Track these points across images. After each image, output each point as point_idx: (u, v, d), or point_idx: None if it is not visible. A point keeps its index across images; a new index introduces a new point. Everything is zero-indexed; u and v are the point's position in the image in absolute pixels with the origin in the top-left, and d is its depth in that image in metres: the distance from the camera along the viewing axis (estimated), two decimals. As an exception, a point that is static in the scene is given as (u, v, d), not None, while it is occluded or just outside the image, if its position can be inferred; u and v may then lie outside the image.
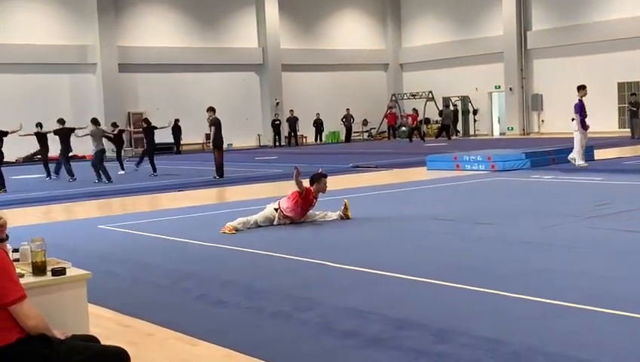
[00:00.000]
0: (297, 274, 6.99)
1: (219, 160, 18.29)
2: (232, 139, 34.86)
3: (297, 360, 4.57)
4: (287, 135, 36.55)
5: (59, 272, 3.78)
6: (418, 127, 35.13)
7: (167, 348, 4.98)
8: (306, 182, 10.21)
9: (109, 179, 18.00)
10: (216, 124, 18.47)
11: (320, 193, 10.41)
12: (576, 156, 16.91)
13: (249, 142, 36.54)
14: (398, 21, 41.45)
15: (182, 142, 33.19)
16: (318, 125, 37.79)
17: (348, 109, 38.05)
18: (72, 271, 3.89)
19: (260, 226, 9.89)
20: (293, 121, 36.11)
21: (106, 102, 32.19)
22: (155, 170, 19.63)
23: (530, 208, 10.78)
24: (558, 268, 6.67)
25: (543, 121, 35.58)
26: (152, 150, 20.38)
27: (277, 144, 35.96)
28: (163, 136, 33.15)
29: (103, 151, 18.67)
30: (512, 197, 12.49)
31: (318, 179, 10.36)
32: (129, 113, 33.16)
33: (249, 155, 28.57)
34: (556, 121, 34.37)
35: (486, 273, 6.58)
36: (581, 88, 17.38)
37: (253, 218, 9.92)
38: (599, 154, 19.46)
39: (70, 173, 19.09)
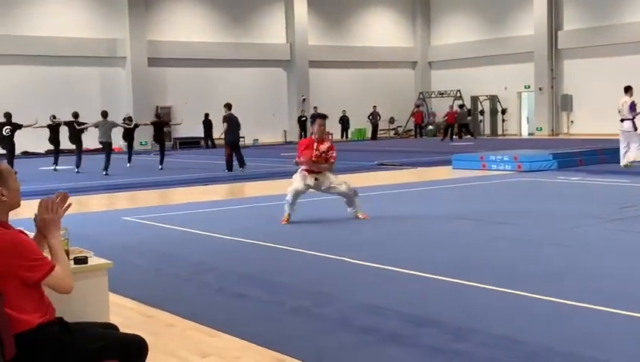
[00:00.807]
0: (317, 270, 7.02)
1: (227, 155, 18.88)
2: (259, 134, 35.04)
3: (315, 354, 4.60)
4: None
5: (81, 261, 3.84)
6: (462, 125, 34.86)
7: (186, 339, 5.05)
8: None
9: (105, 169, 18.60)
10: (227, 120, 18.90)
11: (323, 135, 10.24)
12: (637, 153, 16.78)
13: (275, 138, 36.64)
14: (428, 19, 41.27)
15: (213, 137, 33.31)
16: (344, 122, 37.78)
17: (375, 107, 37.98)
18: (93, 261, 3.95)
19: (301, 193, 9.96)
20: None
21: (135, 96, 32.48)
22: (161, 162, 20.15)
23: (554, 209, 10.71)
24: (578, 269, 6.64)
25: (572, 121, 35.23)
26: (162, 144, 20.84)
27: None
28: (192, 131, 33.48)
29: (109, 144, 19.35)
30: (537, 197, 12.41)
31: (313, 120, 10.40)
32: (157, 107, 33.40)
33: (275, 151, 28.65)
34: (586, 122, 34.05)
35: (505, 272, 6.57)
36: (630, 89, 17.33)
37: (290, 191, 9.91)
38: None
39: (77, 164, 19.64)
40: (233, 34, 35.58)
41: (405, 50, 40.95)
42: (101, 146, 19.57)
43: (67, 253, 3.85)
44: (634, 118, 17.05)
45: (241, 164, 18.78)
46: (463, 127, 35.03)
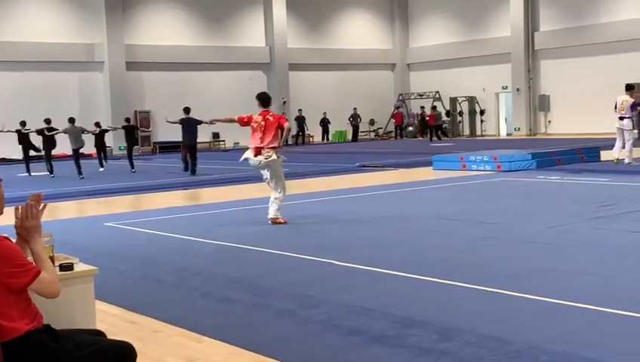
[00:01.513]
0: (302, 272, 7.02)
1: (183, 158, 19.71)
2: (239, 137, 34.92)
3: (302, 356, 4.60)
4: (294, 134, 36.63)
5: (67, 268, 3.81)
6: (440, 126, 35.07)
7: (173, 345, 5.02)
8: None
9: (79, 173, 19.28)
10: (183, 124, 19.81)
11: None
12: (628, 154, 17.13)
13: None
14: (406, 21, 41.43)
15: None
16: (325, 124, 37.82)
17: (355, 109, 38.06)
18: (79, 267, 3.93)
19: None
20: (301, 121, 36.24)
21: (113, 100, 32.29)
22: (132, 166, 20.95)
23: (536, 208, 10.80)
24: (562, 268, 6.69)
25: (549, 121, 35.53)
26: (131, 149, 21.55)
27: (283, 143, 35.94)
28: (173, 135, 33.26)
29: (78, 148, 20.05)
30: (518, 197, 12.50)
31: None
32: (136, 111, 33.24)
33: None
34: (563, 122, 34.37)
35: (490, 272, 6.61)
36: (632, 87, 17.95)
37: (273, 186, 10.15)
38: (606, 155, 19.42)
39: (49, 169, 20.21)
40: (212, 37, 35.48)
41: (384, 52, 41.09)
42: (72, 153, 20.22)
43: (52, 259, 3.82)
44: (632, 116, 17.44)
45: (193, 170, 19.18)
46: (437, 129, 35.34)
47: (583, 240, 8.02)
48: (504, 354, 4.41)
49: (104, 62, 32.51)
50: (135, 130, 22.11)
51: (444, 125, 36.27)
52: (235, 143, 34.66)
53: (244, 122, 10.62)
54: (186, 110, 20.20)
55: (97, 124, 23.32)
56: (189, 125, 19.61)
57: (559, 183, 14.19)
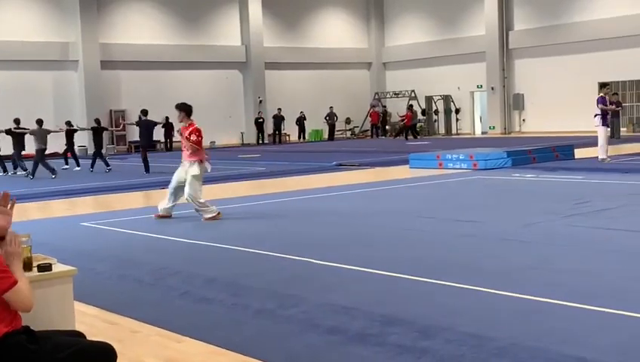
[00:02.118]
0: (281, 272, 7.01)
1: (143, 158, 20.14)
2: (215, 136, 34.81)
3: (281, 356, 4.59)
4: (270, 133, 36.58)
5: (45, 268, 3.77)
6: (414, 125, 35.13)
7: (152, 345, 4.99)
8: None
9: (52, 171, 19.57)
10: (140, 125, 20.46)
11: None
12: (599, 151, 17.37)
13: (232, 140, 36.49)
14: (382, 20, 41.54)
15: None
16: (302, 123, 37.81)
17: (331, 107, 38.09)
18: (58, 268, 3.89)
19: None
20: (279, 120, 36.22)
21: (88, 100, 32.01)
22: (107, 164, 21.26)
23: (512, 206, 10.88)
24: (540, 265, 6.74)
25: (524, 120, 35.82)
26: (99, 149, 21.87)
27: (260, 142, 35.94)
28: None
29: (43, 150, 20.04)
30: (494, 195, 12.59)
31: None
32: (111, 110, 33.01)
33: (232, 153, 28.53)
34: (537, 121, 34.68)
35: (469, 270, 6.64)
36: (604, 86, 18.25)
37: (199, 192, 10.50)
38: (580, 153, 19.65)
39: (23, 168, 20.46)
40: (187, 36, 35.31)
41: (360, 51, 41.16)
42: (37, 153, 20.21)
43: (30, 260, 3.79)
44: (604, 113, 17.49)
45: (146, 168, 19.81)
46: (412, 128, 35.50)
47: (559, 238, 8.09)
48: (484, 351, 4.44)
49: (79, 61, 32.21)
50: (103, 132, 22.69)
51: (417, 124, 36.41)
52: (211, 143, 34.52)
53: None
54: (144, 112, 20.74)
55: (68, 123, 23.47)
56: (146, 127, 20.21)
57: (535, 181, 14.31)
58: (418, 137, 34.86)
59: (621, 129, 28.52)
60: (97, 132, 22.13)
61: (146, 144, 20.57)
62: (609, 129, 17.73)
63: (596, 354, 4.29)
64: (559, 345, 4.46)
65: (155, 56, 34.02)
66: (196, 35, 35.56)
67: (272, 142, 35.93)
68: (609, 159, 17.36)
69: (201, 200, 10.50)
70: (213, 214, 10.39)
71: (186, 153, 10.67)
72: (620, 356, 4.26)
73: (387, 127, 39.25)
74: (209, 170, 10.87)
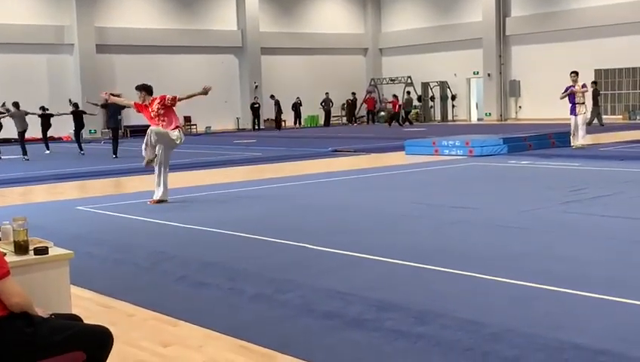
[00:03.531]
0: (278, 257, 7.01)
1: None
2: (211, 121, 34.75)
3: (278, 340, 4.60)
4: (266, 118, 36.47)
5: (42, 251, 3.77)
6: (398, 114, 35.04)
7: (148, 329, 4.99)
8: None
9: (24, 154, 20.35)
10: (103, 107, 21.49)
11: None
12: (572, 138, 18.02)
13: (228, 125, 36.41)
14: (378, 6, 41.41)
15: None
16: (298, 109, 37.72)
17: (327, 93, 38.01)
18: (54, 251, 3.88)
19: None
20: (279, 105, 35.94)
21: (83, 83, 31.88)
22: (81, 148, 22.28)
23: (508, 193, 10.90)
24: (535, 252, 6.76)
25: (520, 107, 35.83)
26: (78, 133, 22.90)
27: (256, 127, 35.85)
28: (143, 119, 33.08)
29: (22, 132, 21.12)
30: (490, 182, 12.60)
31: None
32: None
33: (228, 138, 28.47)
34: (533, 107, 34.68)
35: (465, 256, 6.65)
36: (574, 73, 18.61)
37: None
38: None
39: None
40: (183, 20, 35.15)
41: (356, 37, 41.04)
42: (18, 135, 21.40)
43: (26, 243, 3.78)
44: (573, 103, 17.87)
45: (114, 151, 20.33)
46: (405, 114, 35.40)
47: (554, 225, 8.11)
48: (480, 337, 4.45)
49: (74, 45, 32.06)
50: (83, 115, 23.21)
51: (410, 110, 36.16)
52: (207, 128, 34.46)
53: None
54: (74, 104, 22.09)
55: (43, 108, 23.92)
56: (113, 109, 20.60)
57: (530, 168, 14.32)
58: (406, 124, 34.56)
59: (603, 116, 28.75)
60: (77, 116, 22.88)
61: (113, 126, 21.05)
62: (580, 117, 17.91)
63: (591, 339, 4.31)
64: (554, 331, 4.47)
65: (150, 41, 33.86)
66: (192, 20, 35.39)
67: (276, 128, 35.51)
68: (583, 144, 17.63)
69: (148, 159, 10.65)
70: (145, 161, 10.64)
71: (162, 126, 10.63)
72: (615, 342, 4.27)
73: (382, 113, 39.20)
74: (183, 140, 10.89)
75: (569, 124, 18.66)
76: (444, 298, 5.34)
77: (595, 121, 27.27)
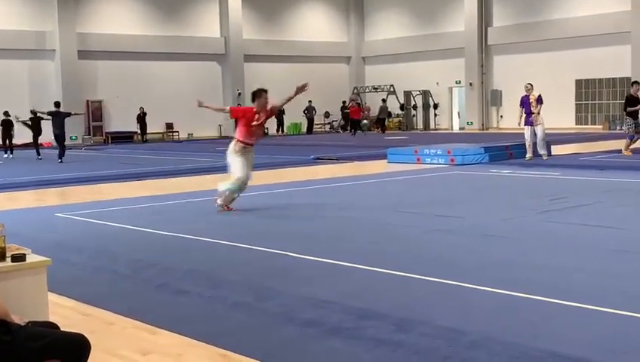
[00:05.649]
0: (259, 265, 6.99)
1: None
2: (193, 129, 34.68)
3: (258, 348, 4.58)
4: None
5: (19, 258, 3.73)
6: (357, 121, 34.50)
7: (127, 337, 4.95)
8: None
9: None
10: (49, 116, 21.94)
11: (266, 108, 10.68)
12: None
13: (210, 133, 36.32)
14: (361, 14, 41.55)
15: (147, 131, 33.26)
16: (280, 116, 37.66)
17: (310, 101, 38.04)
18: (32, 258, 3.85)
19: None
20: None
21: (64, 90, 31.71)
22: (38, 154, 23.21)
23: (489, 201, 10.94)
24: (516, 260, 6.78)
25: (501, 116, 36.05)
26: (36, 139, 23.82)
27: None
28: (125, 125, 33.00)
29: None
30: (472, 190, 12.64)
31: (257, 93, 10.71)
32: (88, 101, 32.74)
33: (210, 146, 28.40)
34: (514, 117, 34.84)
35: (446, 264, 6.67)
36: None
37: (233, 176, 10.22)
38: (557, 150, 19.81)
39: None
40: (166, 27, 35.09)
41: (339, 45, 41.14)
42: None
43: (4, 250, 3.74)
44: (528, 112, 18.08)
45: (60, 156, 21.35)
46: (381, 122, 35.44)
47: (535, 233, 8.15)
48: (459, 345, 4.45)
49: (55, 51, 31.90)
50: (40, 121, 23.76)
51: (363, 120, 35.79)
52: (189, 134, 34.38)
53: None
54: (56, 104, 22.39)
55: (6, 113, 24.28)
56: (58, 118, 21.66)
57: (511, 177, 14.40)
58: (359, 132, 33.95)
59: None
60: (35, 122, 23.66)
61: (58, 133, 21.75)
62: (532, 127, 17.79)
63: (570, 349, 4.32)
64: (534, 340, 4.49)
65: (133, 47, 33.76)
66: (175, 26, 35.34)
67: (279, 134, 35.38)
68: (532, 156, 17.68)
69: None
70: (223, 203, 10.32)
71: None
72: (594, 351, 4.29)
73: (365, 121, 39.20)
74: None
75: (551, 134, 18.76)
76: (424, 306, 5.35)
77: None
